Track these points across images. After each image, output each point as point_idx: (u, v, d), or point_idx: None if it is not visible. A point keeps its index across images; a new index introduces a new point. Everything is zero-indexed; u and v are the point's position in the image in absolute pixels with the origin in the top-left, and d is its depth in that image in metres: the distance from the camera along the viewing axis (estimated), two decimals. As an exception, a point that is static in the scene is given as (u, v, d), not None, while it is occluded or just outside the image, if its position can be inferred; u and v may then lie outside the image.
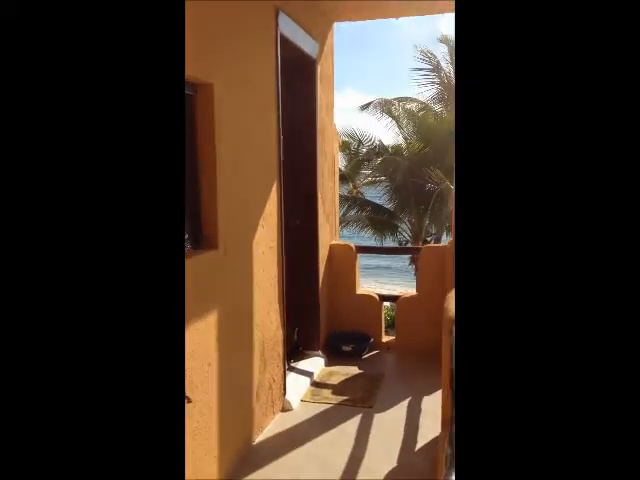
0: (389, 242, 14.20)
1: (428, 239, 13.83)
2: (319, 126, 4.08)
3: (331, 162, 4.54)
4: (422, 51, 14.75)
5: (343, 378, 3.90)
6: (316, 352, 4.18)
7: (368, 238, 13.83)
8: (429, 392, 3.62)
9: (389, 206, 13.78)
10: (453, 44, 14.63)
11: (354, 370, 4.05)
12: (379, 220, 13.86)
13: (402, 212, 13.80)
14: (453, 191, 11.82)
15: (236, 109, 2.64)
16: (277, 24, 3.17)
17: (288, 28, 3.38)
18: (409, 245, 13.66)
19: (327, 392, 3.65)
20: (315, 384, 3.78)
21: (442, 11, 4.29)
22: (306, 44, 3.78)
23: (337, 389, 3.70)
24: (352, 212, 13.58)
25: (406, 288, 23.25)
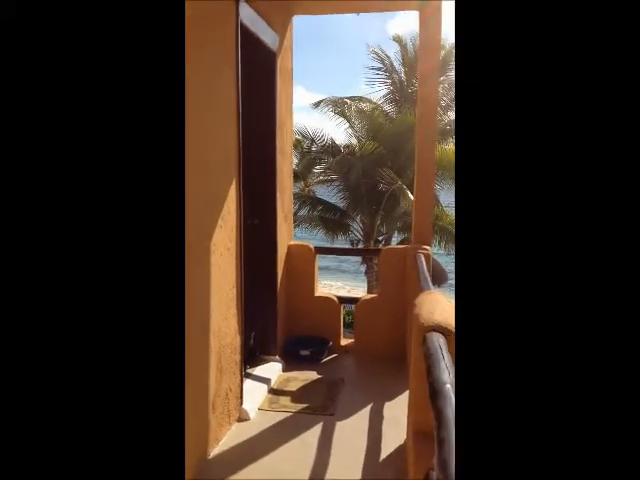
0: (341, 241, 14.16)
1: (380, 239, 13.91)
2: (278, 122, 3.91)
3: (289, 160, 4.38)
4: (374, 51, 14.80)
5: (302, 384, 3.76)
6: (273, 357, 4.02)
7: (320, 238, 13.75)
8: (390, 398, 3.54)
9: (341, 205, 13.75)
10: (406, 43, 14.80)
11: (313, 375, 3.92)
12: (331, 219, 13.80)
13: (354, 212, 13.80)
14: (407, 191, 11.92)
15: (193, 101, 2.44)
16: (237, 12, 2.99)
17: (249, 17, 3.20)
18: (361, 245, 13.68)
19: (285, 400, 3.50)
20: (273, 391, 3.61)
21: (405, 7, 4.21)
22: (267, 35, 3.61)
23: (296, 396, 3.55)
24: (303, 211, 13.46)
25: (357, 289, 23.39)
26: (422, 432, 2.19)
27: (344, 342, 4.49)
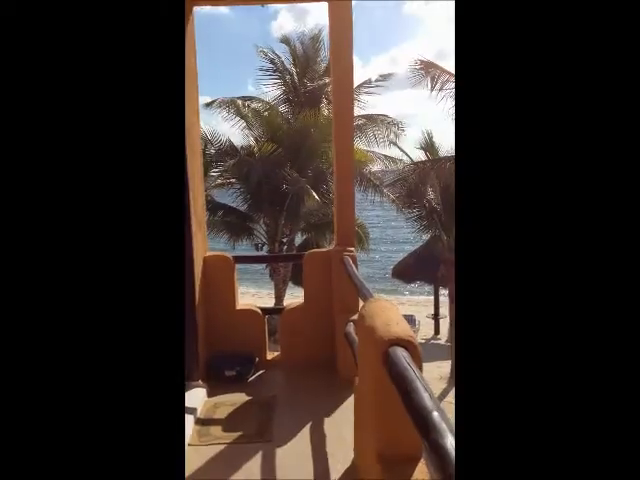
0: (245, 246, 13.78)
1: (284, 240, 13.72)
2: (186, 122, 3.53)
3: (199, 163, 4.00)
4: (263, 51, 14.57)
5: (231, 409, 3.42)
6: (196, 382, 3.63)
7: (224, 243, 13.27)
8: (328, 413, 3.32)
9: (243, 209, 13.37)
10: (294, 44, 14.76)
11: (242, 398, 3.59)
12: (233, 224, 13.37)
13: (257, 214, 13.48)
14: (311, 191, 11.83)
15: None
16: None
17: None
18: (265, 247, 13.39)
19: (216, 430, 3.14)
20: (201, 422, 3.24)
21: None
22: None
23: (227, 424, 3.21)
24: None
25: (264, 293, 22.97)
26: (390, 456, 1.98)
27: (270, 356, 4.20)
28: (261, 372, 4.04)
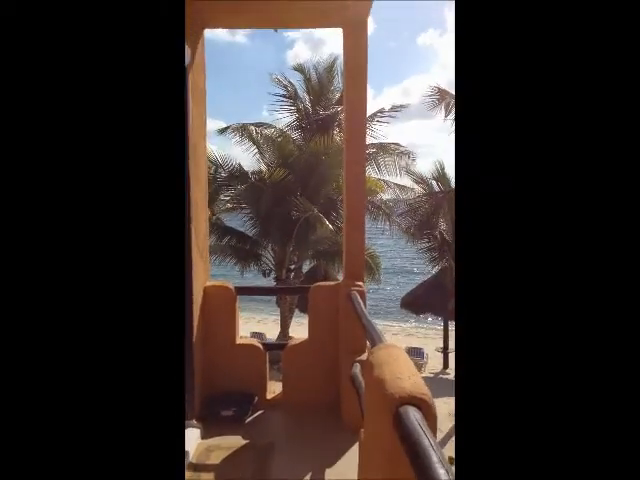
0: (252, 271, 13.60)
1: (291, 267, 13.53)
2: (191, 145, 3.39)
3: (204, 188, 3.84)
4: (277, 78, 14.66)
5: (226, 454, 3.17)
6: (189, 422, 3.39)
7: (231, 268, 13.10)
8: (330, 462, 3.06)
9: (252, 234, 13.23)
10: (308, 73, 14.89)
11: (238, 441, 3.34)
12: (241, 249, 13.23)
13: (265, 240, 13.33)
14: (323, 219, 11.67)
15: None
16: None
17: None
18: (272, 274, 13.20)
19: (209, 477, 2.90)
20: (193, 467, 2.99)
21: (328, 24, 3.90)
22: (176, 45, 3.10)
23: (220, 471, 2.96)
24: (212, 241, 12.76)
25: (269, 320, 22.70)
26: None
27: (270, 395, 3.96)
28: (260, 412, 3.78)
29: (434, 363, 16.92)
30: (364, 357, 3.47)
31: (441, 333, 17.73)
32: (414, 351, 16.47)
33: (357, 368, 3.20)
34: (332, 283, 3.99)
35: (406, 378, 1.80)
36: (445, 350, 17.02)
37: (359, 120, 3.82)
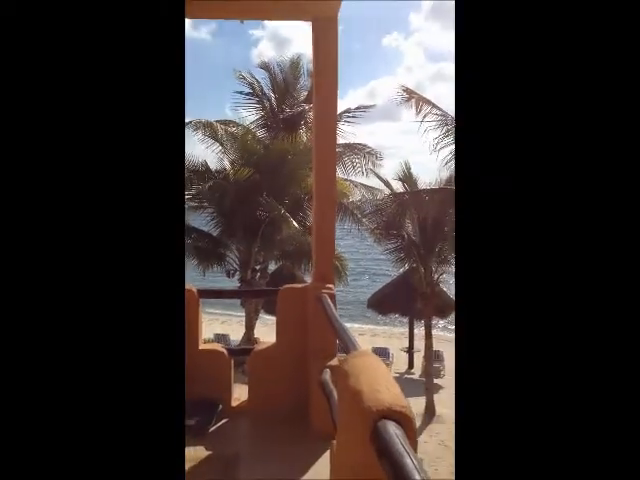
0: (215, 272, 13.33)
1: (257, 267, 13.32)
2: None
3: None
4: (242, 76, 14.43)
5: (188, 467, 2.98)
6: (149, 433, 3.19)
7: (193, 268, 12.78)
8: (300, 472, 2.93)
9: (215, 233, 12.96)
10: (274, 71, 14.72)
11: (201, 452, 3.16)
12: (204, 249, 12.93)
13: (230, 240, 13.08)
14: (290, 219, 11.51)
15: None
16: None
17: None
18: (237, 274, 12.96)
19: (169, 494, 2.71)
20: (151, 484, 2.81)
21: (298, 17, 3.76)
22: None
23: (182, 486, 2.78)
24: (174, 240, 12.42)
25: (233, 321, 22.27)
26: None
27: (236, 402, 3.79)
28: (224, 421, 3.61)
29: (400, 363, 17.00)
30: (334, 362, 3.35)
31: (406, 333, 17.84)
32: (380, 351, 16.49)
33: (327, 374, 3.07)
34: (301, 285, 3.85)
35: (384, 389, 1.68)
36: (410, 350, 17.13)
37: (329, 119, 3.70)
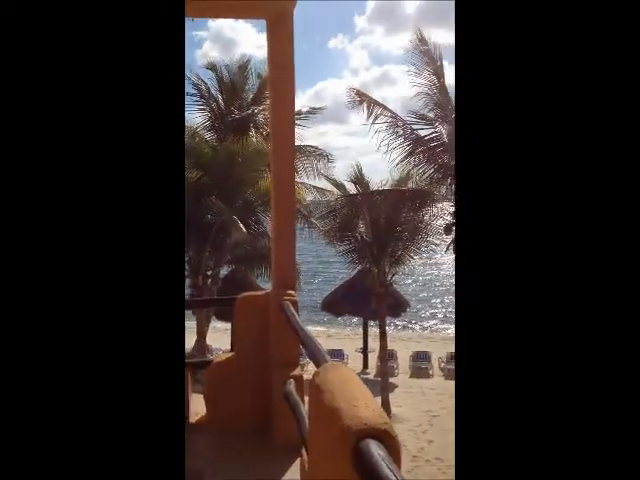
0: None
1: (208, 273, 13.01)
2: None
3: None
4: (187, 77, 14.08)
5: (146, 492, 2.79)
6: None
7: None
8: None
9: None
10: (221, 72, 14.45)
11: (160, 474, 2.97)
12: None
13: (179, 245, 12.70)
14: (239, 224, 11.27)
15: None
16: None
17: None
18: (188, 280, 12.60)
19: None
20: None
21: (252, 14, 3.63)
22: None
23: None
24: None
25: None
26: None
27: (194, 418, 3.60)
28: (183, 438, 3.42)
29: (354, 364, 17.04)
30: (298, 372, 3.24)
31: (360, 334, 17.91)
32: (334, 353, 16.49)
33: (291, 384, 2.96)
34: (261, 293, 3.71)
35: (363, 405, 1.58)
36: (365, 350, 17.20)
37: (287, 119, 3.58)
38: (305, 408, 2.56)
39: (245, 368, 3.52)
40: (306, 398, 2.52)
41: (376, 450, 1.34)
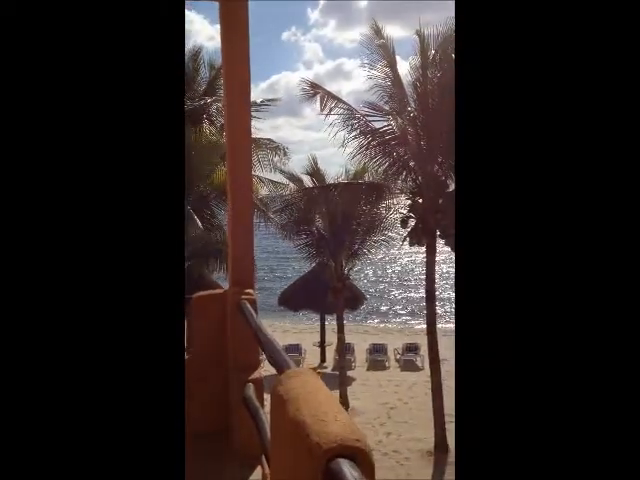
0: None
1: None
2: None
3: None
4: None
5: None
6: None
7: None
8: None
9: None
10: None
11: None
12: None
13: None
14: (194, 217, 10.94)
15: None
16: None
17: None
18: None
19: None
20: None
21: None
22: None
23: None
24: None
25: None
26: None
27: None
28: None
29: (311, 358, 17.01)
30: (257, 375, 3.08)
31: (317, 328, 17.87)
32: (291, 348, 16.40)
33: (251, 389, 2.81)
34: (217, 292, 3.53)
35: (332, 419, 1.44)
36: (322, 344, 17.18)
37: (242, 108, 3.40)
38: (266, 414, 2.41)
39: (201, 371, 3.34)
40: (266, 403, 2.38)
41: (349, 471, 1.21)
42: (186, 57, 14.03)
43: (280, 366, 2.00)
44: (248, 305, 3.01)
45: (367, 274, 37.90)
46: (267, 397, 2.09)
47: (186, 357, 3.47)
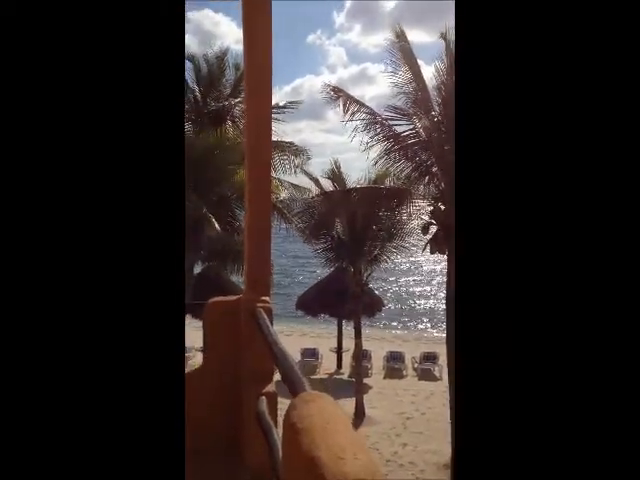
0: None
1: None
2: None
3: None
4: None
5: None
6: None
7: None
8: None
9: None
10: (199, 63, 14.13)
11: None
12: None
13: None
14: (212, 220, 10.92)
15: None
16: None
17: None
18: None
19: None
20: None
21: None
22: None
23: None
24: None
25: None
26: None
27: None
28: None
29: (328, 364, 16.85)
30: (270, 388, 2.94)
31: (335, 333, 17.71)
32: (308, 352, 16.27)
33: (264, 404, 2.67)
34: (232, 298, 3.39)
35: (351, 458, 1.27)
36: (339, 350, 17.00)
37: (263, 109, 3.26)
38: (279, 434, 2.27)
39: (213, 381, 3.21)
40: (279, 421, 2.24)
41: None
42: (212, 58, 14.12)
43: (294, 387, 1.84)
44: (264, 314, 2.87)
45: (388, 280, 37.56)
46: (281, 405, 1.95)
47: (198, 366, 3.35)
